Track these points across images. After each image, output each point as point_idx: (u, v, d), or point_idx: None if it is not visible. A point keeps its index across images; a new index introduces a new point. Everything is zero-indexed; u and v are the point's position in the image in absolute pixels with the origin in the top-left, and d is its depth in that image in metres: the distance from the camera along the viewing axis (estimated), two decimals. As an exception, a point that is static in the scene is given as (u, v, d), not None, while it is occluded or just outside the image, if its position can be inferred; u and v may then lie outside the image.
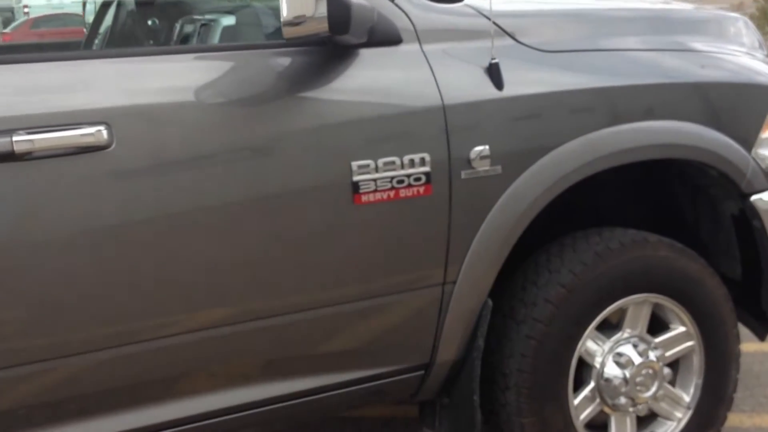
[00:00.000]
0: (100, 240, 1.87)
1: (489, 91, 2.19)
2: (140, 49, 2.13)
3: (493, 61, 2.21)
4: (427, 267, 2.20)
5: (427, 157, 2.11)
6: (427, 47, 2.19)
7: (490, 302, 2.29)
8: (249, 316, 2.05)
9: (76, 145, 1.82)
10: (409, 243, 2.16)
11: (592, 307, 2.41)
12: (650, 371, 2.50)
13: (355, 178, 2.04)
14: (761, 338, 2.85)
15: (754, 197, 2.57)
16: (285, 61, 2.07)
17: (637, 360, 2.48)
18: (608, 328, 2.53)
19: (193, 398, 2.09)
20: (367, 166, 2.05)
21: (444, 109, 2.13)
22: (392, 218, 2.12)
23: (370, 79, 2.12)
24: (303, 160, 2.01)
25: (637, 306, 2.50)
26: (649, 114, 2.38)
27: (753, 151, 2.55)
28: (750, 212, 2.59)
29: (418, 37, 2.19)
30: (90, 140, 1.82)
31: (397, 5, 2.18)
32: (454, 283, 2.23)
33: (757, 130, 2.57)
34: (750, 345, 3.53)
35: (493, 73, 2.21)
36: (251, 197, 1.98)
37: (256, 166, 1.99)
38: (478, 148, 2.17)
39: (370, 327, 2.21)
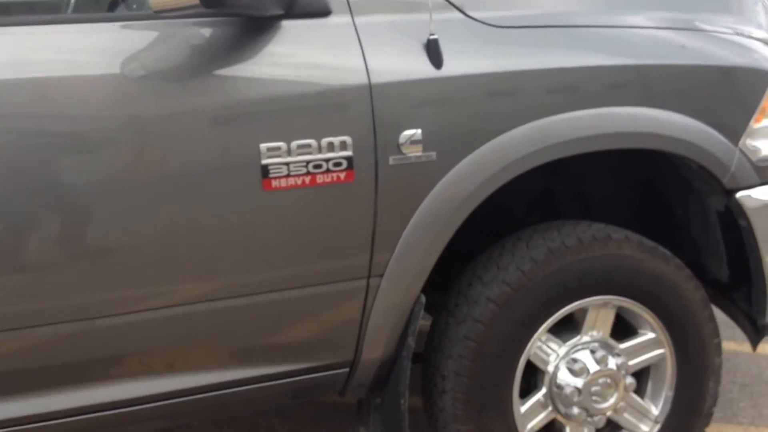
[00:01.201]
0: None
1: (424, 70, 2.02)
2: (35, 17, 2.01)
3: (432, 37, 2.03)
4: (349, 259, 2.07)
5: (348, 140, 1.97)
6: (359, 20, 2.03)
7: (422, 298, 2.15)
8: (149, 304, 1.96)
9: None
10: (328, 233, 2.03)
11: (541, 309, 2.24)
12: (608, 380, 2.33)
13: (265, 161, 1.91)
14: (753, 347, 2.65)
15: (740, 194, 2.36)
16: (196, 33, 1.93)
17: (594, 368, 2.31)
18: (569, 330, 2.39)
19: (106, 386, 2.03)
20: (278, 148, 1.92)
21: (370, 89, 1.98)
22: (308, 206, 1.98)
23: (289, 53, 1.97)
24: (208, 140, 1.89)
25: (598, 309, 2.33)
26: (614, 99, 2.18)
27: (741, 142, 2.34)
28: (735, 210, 2.38)
29: (351, 9, 2.02)
30: None
31: (328, -25, 2.04)
32: (381, 276, 2.10)
33: (747, 118, 2.33)
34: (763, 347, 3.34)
35: (431, 50, 2.04)
36: (152, 179, 1.87)
37: (157, 146, 1.87)
38: (409, 132, 2.01)
39: (288, 320, 2.10)
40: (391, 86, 2.01)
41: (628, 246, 2.30)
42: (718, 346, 2.46)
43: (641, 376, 2.49)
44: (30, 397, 1.97)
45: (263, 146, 1.91)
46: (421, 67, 2.02)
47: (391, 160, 2.01)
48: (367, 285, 2.10)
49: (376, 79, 1.99)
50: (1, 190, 1.78)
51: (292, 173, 1.94)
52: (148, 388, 2.02)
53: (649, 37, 2.27)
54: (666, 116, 2.22)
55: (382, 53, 2.03)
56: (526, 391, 2.36)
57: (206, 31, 1.92)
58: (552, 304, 2.26)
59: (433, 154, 2.05)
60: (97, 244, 1.88)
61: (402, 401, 2.19)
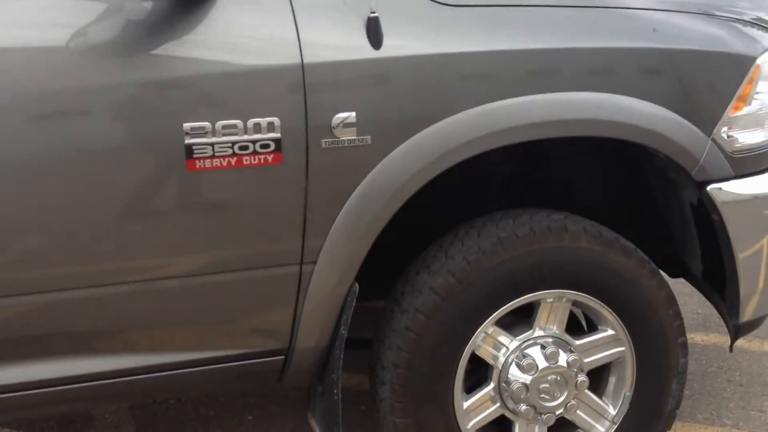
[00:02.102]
0: None
1: (361, 49, 1.94)
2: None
3: (372, 15, 1.95)
4: (280, 244, 2.02)
5: (276, 121, 1.91)
6: None
7: (356, 287, 2.09)
8: (74, 283, 1.94)
9: None
10: (256, 216, 1.98)
11: (486, 301, 2.17)
12: (558, 378, 2.26)
13: (188, 141, 1.87)
14: (730, 348, 2.55)
15: (711, 187, 2.24)
16: (124, 5, 1.88)
17: (542, 364, 2.23)
18: (524, 324, 2.31)
19: (30, 364, 2.03)
20: (202, 128, 1.87)
21: (303, 68, 1.91)
22: (234, 188, 1.93)
23: (219, 29, 1.89)
24: (130, 117, 1.85)
25: (551, 303, 2.25)
26: (568, 84, 2.08)
27: (715, 131, 2.22)
28: (708, 204, 2.26)
29: None
30: None
31: (265, -58, 1.96)
32: (314, 263, 2.05)
33: (723, 106, 2.21)
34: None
35: (371, 29, 1.95)
36: (72, 154, 1.83)
37: (77, 121, 1.83)
38: (342, 114, 1.94)
39: (220, 305, 2.06)
40: (325, 66, 1.94)
41: (584, 238, 2.21)
42: (684, 345, 2.36)
43: (603, 374, 2.43)
44: None
45: (187, 125, 1.86)
46: (358, 47, 1.95)
47: (323, 144, 1.95)
48: (300, 272, 2.05)
49: (309, 58, 1.92)
50: None
51: (217, 154, 1.89)
52: (75, 368, 2.01)
53: (614, 19, 2.16)
54: (625, 102, 2.10)
55: (318, 30, 1.95)
56: (479, 386, 2.31)
57: (135, 4, 1.88)
58: (499, 296, 2.18)
59: (368, 138, 1.98)
60: (14, 220, 1.87)
61: (335, 391, 2.15)
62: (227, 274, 2.03)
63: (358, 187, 2.01)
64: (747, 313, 2.40)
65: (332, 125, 1.94)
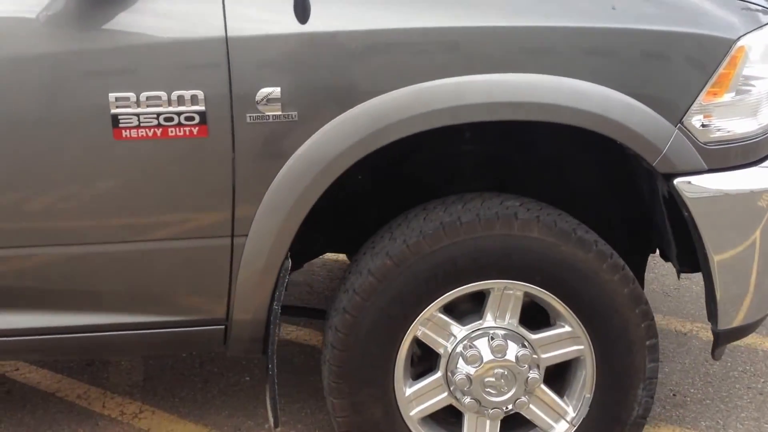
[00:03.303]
0: None
1: (287, 23, 1.94)
2: None
3: (300, -12, 1.97)
4: (210, 215, 2.07)
5: (200, 94, 1.95)
6: None
7: (288, 263, 2.12)
8: (6, 242, 2.08)
9: None
10: (184, 187, 2.05)
11: (425, 287, 2.14)
12: (506, 372, 2.19)
13: (114, 110, 1.95)
14: (712, 354, 2.37)
15: (679, 180, 2.09)
16: None
17: (487, 357, 2.18)
18: (476, 313, 2.26)
19: None
20: (127, 99, 1.94)
21: (227, 42, 1.94)
22: (161, 158, 2.00)
23: (149, 1, 1.98)
24: (59, 85, 1.95)
25: (501, 294, 2.18)
26: (508, 64, 2.00)
27: (685, 119, 2.06)
28: (677, 198, 2.12)
29: None
30: None
31: None
32: (246, 236, 2.09)
33: (693, 92, 2.05)
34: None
35: (298, 2, 1.94)
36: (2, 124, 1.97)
37: (6, 88, 1.95)
38: (267, 89, 1.96)
39: (157, 272, 2.15)
40: (250, 40, 1.96)
41: (536, 227, 2.12)
42: (653, 349, 2.23)
43: (566, 372, 2.33)
44: None
45: (112, 95, 1.94)
46: (284, 21, 1.95)
47: (249, 118, 1.98)
48: (232, 244, 2.10)
49: (234, 31, 1.95)
50: None
51: (142, 124, 1.96)
52: (14, 322, 2.16)
53: None
54: (569, 84, 2.00)
55: (245, 3, 1.98)
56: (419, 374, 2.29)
57: None
58: (439, 282, 2.14)
59: (294, 114, 1.98)
60: None
61: (269, 365, 2.18)
62: (160, 242, 2.11)
63: (287, 163, 2.02)
64: (727, 321, 2.23)
65: (257, 100, 1.97)
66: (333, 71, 1.99)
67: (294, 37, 1.96)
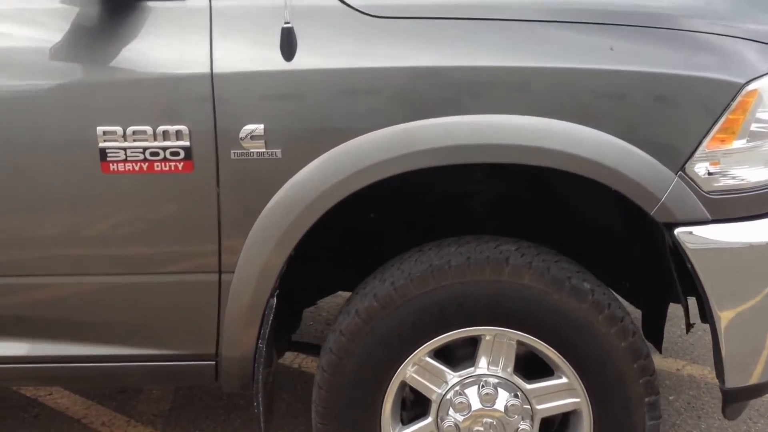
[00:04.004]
0: None
1: (273, 61, 1.95)
2: None
3: (286, 25, 1.94)
4: (196, 251, 2.09)
5: (185, 130, 1.97)
6: (219, 3, 2.00)
7: (273, 302, 2.11)
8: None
9: None
10: (170, 223, 2.07)
11: (412, 330, 2.10)
12: (495, 422, 2.12)
13: (102, 144, 1.98)
14: (723, 412, 2.23)
15: (680, 230, 2.00)
16: (62, 11, 2.01)
17: (476, 405, 2.12)
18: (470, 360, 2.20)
19: None
20: (114, 133, 1.98)
21: (212, 78, 1.96)
22: (148, 193, 2.03)
23: (139, 37, 2.00)
24: (51, 118, 2.00)
25: (492, 341, 2.12)
26: (496, 105, 1.94)
27: (687, 166, 1.97)
28: (679, 249, 2.02)
29: None
30: None
31: (190, -48, 2.02)
32: (233, 273, 2.09)
33: (696, 138, 1.95)
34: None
35: (284, 40, 1.95)
36: None
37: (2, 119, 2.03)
38: (250, 126, 1.96)
39: (147, 305, 2.17)
40: (235, 77, 1.97)
41: (527, 274, 2.05)
42: (653, 406, 2.12)
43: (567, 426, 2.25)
44: None
45: (100, 129, 1.98)
46: (270, 58, 1.95)
47: (233, 155, 1.99)
48: (219, 280, 2.11)
49: (219, 68, 1.96)
50: None
51: (129, 158, 2.00)
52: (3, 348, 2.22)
53: (561, 34, 1.97)
54: (560, 127, 1.93)
55: (233, 40, 2.00)
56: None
57: (66, 8, 2.01)
58: (427, 327, 2.10)
59: (278, 152, 1.98)
60: None
61: (255, 404, 2.18)
62: (152, 276, 2.13)
63: (271, 200, 2.02)
64: (736, 379, 2.11)
65: (240, 136, 1.97)
66: (316, 109, 1.97)
67: (278, 74, 1.96)
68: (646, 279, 2.47)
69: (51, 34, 2.00)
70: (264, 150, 1.98)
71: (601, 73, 1.95)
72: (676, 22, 1.98)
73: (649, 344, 2.30)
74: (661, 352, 2.61)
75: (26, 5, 2.03)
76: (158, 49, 2.00)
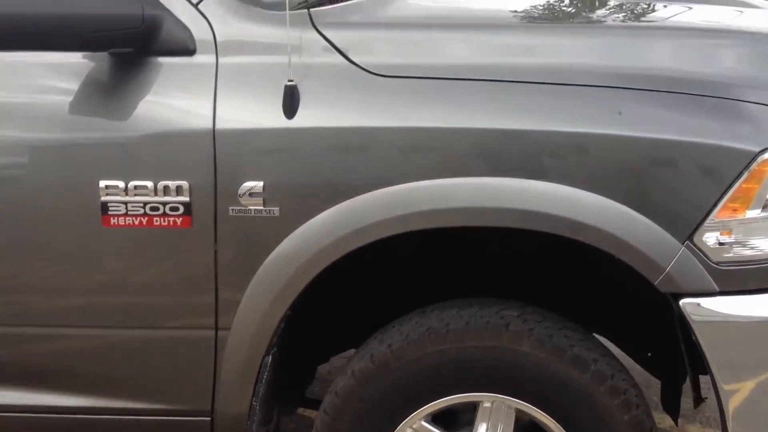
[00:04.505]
0: None
1: (273, 118, 1.96)
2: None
3: (289, 83, 1.96)
4: (193, 307, 2.09)
5: (185, 185, 1.99)
6: (225, 60, 2.02)
7: (268, 360, 2.09)
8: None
9: None
10: (169, 277, 2.08)
11: (406, 394, 2.07)
12: (492, 493, 2.07)
13: (104, 198, 2.01)
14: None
15: (686, 301, 1.94)
16: (68, 65, 2.06)
17: (472, 474, 2.07)
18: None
19: None
20: (116, 187, 2.00)
21: (214, 134, 1.98)
22: (147, 248, 2.05)
23: (144, 92, 2.02)
24: (53, 171, 2.04)
25: (491, 408, 2.07)
26: (495, 168, 1.93)
27: (696, 236, 1.91)
28: (686, 321, 1.95)
29: (217, 49, 2.03)
30: None
31: (199, 11, 2.03)
32: (229, 330, 2.08)
33: (706, 207, 1.90)
34: None
35: (286, 98, 1.97)
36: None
37: (8, 172, 2.08)
38: (249, 184, 1.97)
39: (143, 359, 2.18)
40: (236, 134, 1.99)
41: (527, 341, 2.00)
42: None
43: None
44: None
45: (102, 183, 2.01)
46: (270, 116, 1.97)
47: (231, 211, 2.00)
48: (216, 336, 2.11)
49: (221, 124, 1.98)
50: None
51: (130, 213, 2.02)
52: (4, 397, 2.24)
53: (567, 97, 1.94)
54: (564, 192, 1.90)
55: (236, 97, 2.01)
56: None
57: (74, 63, 2.06)
58: (422, 391, 2.07)
59: (275, 210, 1.98)
60: None
61: (251, 465, 2.16)
62: (149, 330, 2.14)
63: (268, 258, 2.02)
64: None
65: (239, 193, 1.98)
66: (314, 168, 1.98)
67: (278, 132, 1.98)
68: (661, 349, 2.41)
69: (58, 88, 2.05)
70: (262, 208, 1.98)
71: (608, 138, 1.92)
72: (684, 86, 1.95)
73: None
74: (677, 424, 2.54)
75: (35, 59, 2.07)
76: (163, 105, 2.03)
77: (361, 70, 2.00)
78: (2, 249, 2.11)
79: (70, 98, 2.04)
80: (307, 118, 1.96)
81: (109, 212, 2.02)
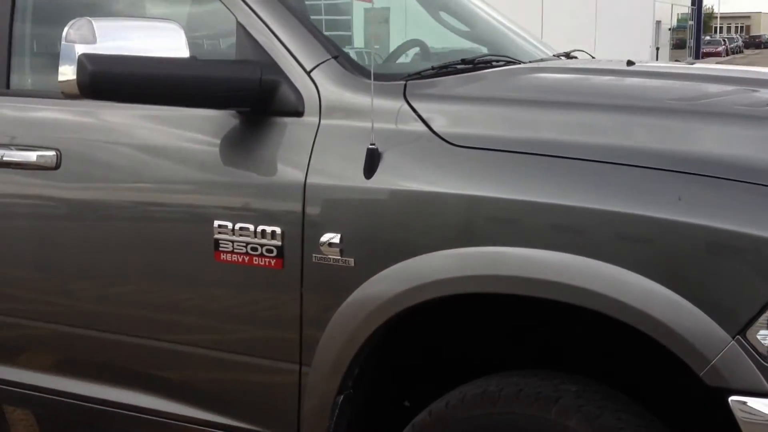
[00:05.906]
0: None
1: (354, 177, 2.18)
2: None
3: (371, 146, 2.17)
4: (281, 341, 2.35)
5: (278, 230, 2.26)
6: (326, 122, 2.28)
7: (339, 400, 2.26)
8: (126, 329, 2.60)
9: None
10: (262, 311, 2.36)
11: (456, 451, 2.13)
12: None
13: (216, 236, 2.34)
14: None
15: (734, 399, 1.84)
16: (198, 121, 2.44)
17: None
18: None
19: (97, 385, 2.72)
20: (226, 227, 2.33)
21: (305, 187, 2.23)
22: (247, 283, 2.35)
23: (254, 146, 2.34)
24: (180, 210, 2.44)
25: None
26: (551, 242, 1.97)
27: (748, 332, 1.81)
28: (732, 418, 1.84)
29: (320, 111, 2.29)
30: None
31: (311, 77, 2.32)
32: (310, 366, 2.30)
33: (760, 303, 1.81)
34: None
35: (367, 159, 2.17)
36: (139, 240, 2.51)
37: (142, 212, 2.52)
38: (329, 235, 2.20)
39: (233, 379, 2.49)
40: (322, 188, 2.24)
41: (574, 417, 2.00)
42: None
43: None
44: None
45: (216, 223, 2.35)
46: (352, 174, 2.19)
47: (314, 258, 2.24)
48: (300, 371, 2.34)
49: (312, 179, 2.24)
50: None
51: (235, 251, 2.33)
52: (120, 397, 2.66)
53: (630, 178, 1.95)
54: (611, 272, 1.91)
55: (328, 155, 2.27)
56: None
57: (209, 117, 2.43)
58: (470, 450, 2.13)
59: (351, 261, 2.19)
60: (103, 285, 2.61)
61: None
62: (240, 356, 2.44)
63: (344, 303, 2.22)
64: None
65: (320, 242, 2.21)
66: (387, 226, 2.17)
67: (356, 190, 2.20)
68: None
69: (193, 138, 2.44)
70: (339, 258, 2.20)
71: (663, 223, 1.90)
72: (746, 174, 1.89)
73: None
74: None
75: (170, 114, 2.47)
76: (270, 158, 2.34)
77: (438, 139, 2.17)
78: (137, 270, 2.52)
79: (203, 147, 2.42)
80: (383, 178, 2.16)
81: (220, 248, 2.35)
